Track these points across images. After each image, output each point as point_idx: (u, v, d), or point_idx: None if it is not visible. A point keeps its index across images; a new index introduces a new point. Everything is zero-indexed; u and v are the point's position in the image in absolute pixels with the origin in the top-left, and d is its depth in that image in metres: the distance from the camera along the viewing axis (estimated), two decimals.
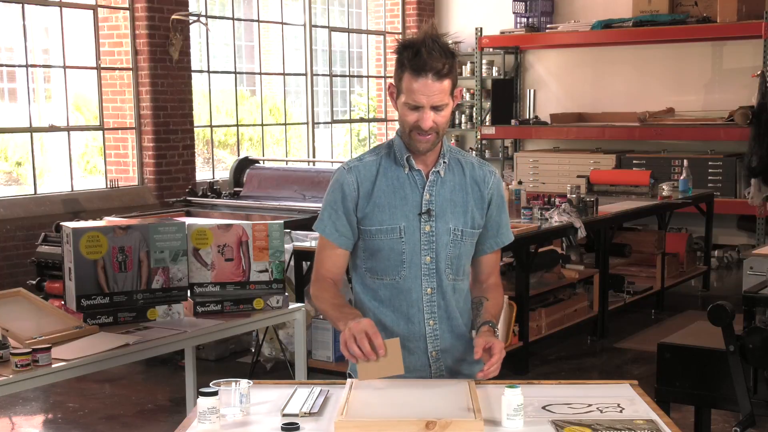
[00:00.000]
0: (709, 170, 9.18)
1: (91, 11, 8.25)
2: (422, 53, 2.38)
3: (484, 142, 10.99)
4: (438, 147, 2.53)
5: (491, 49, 10.87)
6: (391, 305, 2.54)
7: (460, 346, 2.58)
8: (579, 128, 10.23)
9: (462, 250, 2.55)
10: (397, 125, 2.59)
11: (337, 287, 2.58)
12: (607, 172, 8.66)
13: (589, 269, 6.49)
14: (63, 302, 3.59)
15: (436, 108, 2.42)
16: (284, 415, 2.25)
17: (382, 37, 11.54)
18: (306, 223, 6.39)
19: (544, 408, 2.30)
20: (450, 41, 2.44)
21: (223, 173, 9.61)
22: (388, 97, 2.59)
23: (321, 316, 5.16)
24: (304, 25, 10.50)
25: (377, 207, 2.52)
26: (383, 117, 11.62)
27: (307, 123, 10.67)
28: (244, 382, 2.30)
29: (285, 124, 10.69)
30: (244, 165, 7.94)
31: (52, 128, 8.17)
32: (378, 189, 2.52)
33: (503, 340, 5.47)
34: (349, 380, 2.39)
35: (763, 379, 3.28)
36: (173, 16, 8.32)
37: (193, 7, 8.80)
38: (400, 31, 11.49)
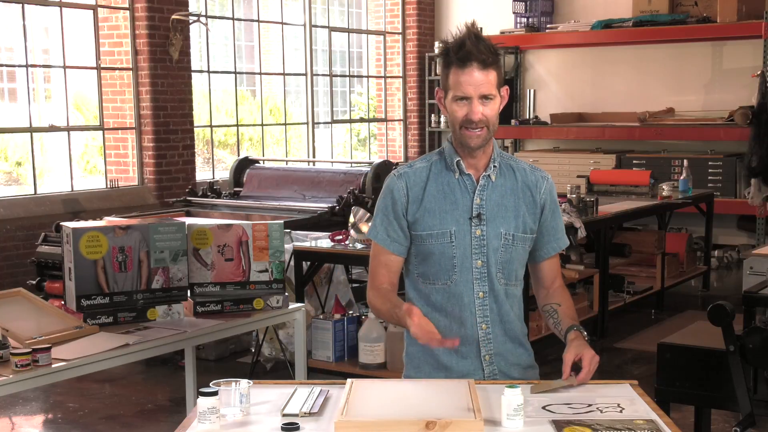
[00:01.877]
0: (709, 170, 9.18)
1: (91, 11, 8.25)
2: (467, 44, 2.43)
3: None
4: (489, 152, 2.55)
5: None
6: (443, 310, 2.55)
7: (515, 350, 2.61)
8: (579, 128, 10.23)
9: (513, 255, 2.55)
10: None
11: (393, 293, 2.59)
12: (607, 172, 8.66)
13: (589, 269, 6.48)
14: (63, 302, 3.58)
15: (484, 98, 2.44)
16: (284, 415, 2.25)
17: (382, 37, 11.54)
18: (306, 223, 6.40)
19: (544, 408, 2.30)
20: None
21: (223, 173, 9.61)
22: (437, 106, 2.64)
23: (321, 316, 5.17)
24: (304, 25, 10.50)
25: (427, 212, 2.53)
26: (383, 117, 11.62)
27: (307, 123, 10.67)
28: (244, 382, 2.30)
29: (285, 124, 10.69)
30: (244, 165, 7.94)
31: (52, 128, 8.17)
32: (428, 194, 2.54)
33: None
34: (349, 380, 2.40)
35: (763, 379, 3.28)
36: (173, 16, 8.32)
37: (193, 7, 8.80)
38: (400, 31, 11.48)
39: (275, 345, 5.51)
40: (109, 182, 8.41)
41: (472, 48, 2.42)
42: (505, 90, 2.52)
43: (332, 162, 10.08)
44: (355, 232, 5.06)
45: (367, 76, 11.83)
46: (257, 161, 8.15)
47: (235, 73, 9.77)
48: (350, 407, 2.19)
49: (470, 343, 2.55)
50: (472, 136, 2.47)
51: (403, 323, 2.46)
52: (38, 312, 3.38)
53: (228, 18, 9.75)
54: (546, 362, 5.97)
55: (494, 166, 2.55)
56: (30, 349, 2.94)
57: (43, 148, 10.99)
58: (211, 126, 9.65)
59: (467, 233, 2.52)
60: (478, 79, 2.42)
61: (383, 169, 7.15)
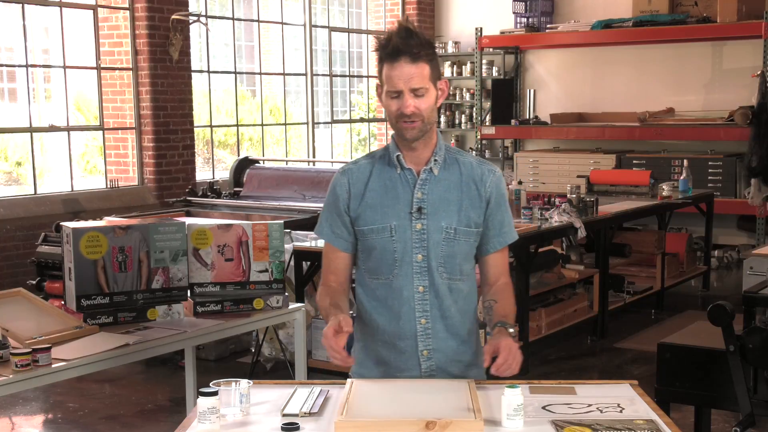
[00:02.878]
0: (709, 170, 9.18)
1: (91, 11, 8.25)
2: (394, 39, 2.44)
3: (484, 142, 10.99)
4: (431, 145, 2.54)
5: (491, 49, 10.88)
6: (385, 304, 2.55)
7: (456, 346, 2.58)
8: (579, 128, 10.23)
9: (456, 249, 2.54)
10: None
11: (339, 291, 2.59)
12: (607, 172, 8.66)
13: (589, 269, 6.48)
14: (63, 302, 3.58)
15: (415, 91, 2.44)
16: (284, 415, 2.25)
17: None
18: (306, 223, 6.40)
19: (544, 408, 2.30)
20: (426, 36, 2.51)
21: (223, 173, 9.61)
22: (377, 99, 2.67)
23: (321, 316, 5.17)
24: (304, 25, 10.50)
25: (369, 207, 2.54)
26: (383, 117, 11.62)
27: (307, 123, 10.67)
28: (244, 382, 2.30)
29: (285, 124, 10.69)
30: (244, 165, 7.94)
31: (52, 128, 8.17)
32: (370, 190, 2.55)
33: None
34: (349, 380, 2.40)
35: (763, 379, 3.28)
36: (173, 16, 8.32)
37: (193, 7, 8.80)
38: None
39: (275, 345, 5.51)
40: (109, 182, 8.41)
41: (400, 42, 2.43)
42: (443, 83, 2.52)
43: (332, 162, 10.08)
44: None
45: (367, 76, 11.83)
46: (257, 161, 8.15)
47: (235, 73, 9.77)
48: (350, 407, 2.19)
49: (408, 337, 2.54)
50: (407, 128, 2.48)
51: None
52: (38, 312, 3.38)
53: (228, 18, 9.75)
54: (546, 362, 5.98)
55: (435, 160, 2.54)
56: (30, 349, 2.94)
57: (43, 148, 10.99)
58: (211, 126, 9.66)
59: (408, 227, 2.52)
60: (408, 73, 2.43)
61: None
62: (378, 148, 2.67)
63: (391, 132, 2.59)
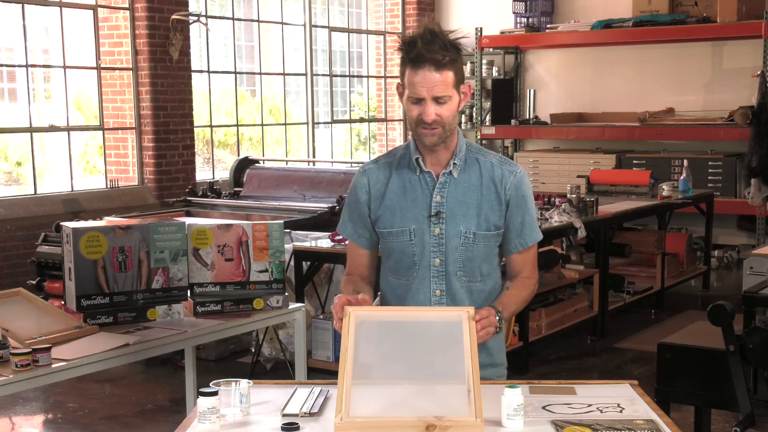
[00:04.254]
0: (709, 170, 9.18)
1: (91, 11, 8.25)
2: (418, 45, 2.39)
3: (484, 142, 10.99)
4: (451, 147, 2.53)
5: (491, 49, 10.87)
6: (405, 304, 2.57)
7: None
8: (579, 128, 10.23)
9: (475, 253, 2.53)
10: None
11: (361, 282, 2.62)
12: (607, 172, 8.66)
13: (589, 269, 6.48)
14: (63, 302, 3.58)
15: (438, 100, 2.42)
16: (284, 415, 2.25)
17: (382, 37, 11.53)
18: (306, 223, 6.40)
19: (544, 408, 2.30)
20: (453, 37, 2.44)
21: (223, 173, 9.61)
22: (397, 99, 2.61)
23: (321, 316, 5.17)
24: (304, 25, 10.50)
25: (389, 209, 2.54)
26: (383, 117, 11.62)
27: (307, 123, 10.66)
28: (244, 382, 2.30)
29: (285, 124, 10.69)
30: (244, 165, 7.94)
31: (52, 128, 8.17)
32: (390, 191, 2.55)
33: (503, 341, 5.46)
34: (347, 308, 2.30)
35: (763, 379, 3.28)
36: (173, 16, 8.32)
37: (193, 7, 8.80)
38: (400, 31, 11.48)
39: (275, 345, 5.51)
40: (109, 182, 8.41)
41: (424, 49, 2.37)
42: (466, 87, 2.49)
43: (332, 162, 10.08)
44: None
45: (367, 76, 11.83)
46: (257, 161, 8.15)
47: (235, 73, 9.77)
48: (350, 407, 2.18)
49: None
50: (427, 134, 2.46)
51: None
52: (38, 312, 3.38)
53: (228, 18, 9.75)
54: (546, 362, 5.98)
55: (455, 163, 2.52)
56: (30, 349, 2.94)
57: (43, 148, 10.99)
58: (211, 126, 9.66)
59: (426, 231, 2.51)
60: (432, 81, 2.39)
61: None
62: (399, 146, 2.65)
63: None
